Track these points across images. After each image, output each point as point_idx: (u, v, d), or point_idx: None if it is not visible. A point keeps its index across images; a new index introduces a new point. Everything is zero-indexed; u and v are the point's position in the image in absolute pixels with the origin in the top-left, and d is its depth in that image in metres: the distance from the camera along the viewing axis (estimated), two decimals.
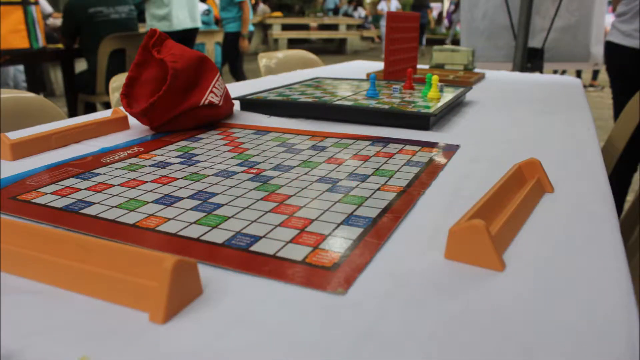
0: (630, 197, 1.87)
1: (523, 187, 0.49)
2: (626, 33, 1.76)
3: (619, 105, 1.83)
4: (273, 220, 0.44)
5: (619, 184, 1.74)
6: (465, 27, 2.72)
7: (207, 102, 0.76)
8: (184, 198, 0.49)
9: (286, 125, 0.82)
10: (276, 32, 10.00)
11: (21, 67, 4.17)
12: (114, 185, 0.53)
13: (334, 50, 10.89)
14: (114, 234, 0.41)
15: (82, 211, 0.46)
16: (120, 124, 0.78)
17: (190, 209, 0.46)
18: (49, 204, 0.47)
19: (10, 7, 2.31)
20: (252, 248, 0.39)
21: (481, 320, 0.30)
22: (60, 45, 2.82)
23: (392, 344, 0.28)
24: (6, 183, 0.53)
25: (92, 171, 0.57)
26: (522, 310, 0.31)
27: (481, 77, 1.42)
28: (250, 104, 0.92)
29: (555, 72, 4.38)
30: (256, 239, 0.40)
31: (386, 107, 0.84)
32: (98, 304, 0.32)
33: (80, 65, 2.91)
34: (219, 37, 4.12)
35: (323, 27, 10.83)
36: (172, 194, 0.50)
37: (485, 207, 0.41)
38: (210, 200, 0.48)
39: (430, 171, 0.58)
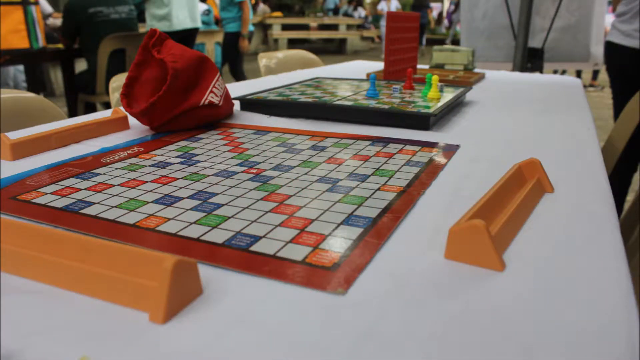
0: (630, 197, 1.87)
1: (523, 187, 0.49)
2: (626, 33, 1.76)
3: (619, 105, 1.83)
4: (273, 220, 0.44)
5: (619, 184, 1.74)
6: (465, 27, 2.72)
7: (207, 102, 0.76)
8: (184, 198, 0.49)
9: (286, 125, 0.82)
10: (276, 32, 10.00)
11: (21, 67, 4.16)
12: (114, 185, 0.53)
13: (334, 50, 10.89)
14: (114, 234, 0.41)
15: (82, 211, 0.46)
16: (120, 124, 0.78)
17: (190, 209, 0.46)
18: (49, 204, 0.47)
19: (10, 7, 2.31)
20: (252, 248, 0.39)
21: (481, 320, 0.30)
22: (60, 45, 2.82)
23: (392, 344, 0.28)
24: (6, 183, 0.53)
25: (92, 171, 0.57)
26: (522, 310, 0.31)
27: (481, 77, 1.42)
28: (250, 104, 0.92)
29: (555, 72, 4.38)
30: (256, 239, 0.40)
31: (386, 107, 0.84)
32: (98, 304, 0.32)
33: (80, 65, 2.91)
34: (219, 37, 4.12)
35: (323, 27, 10.83)
36: (172, 194, 0.50)
37: (485, 207, 0.41)
38: (210, 200, 0.48)
39: (430, 171, 0.58)
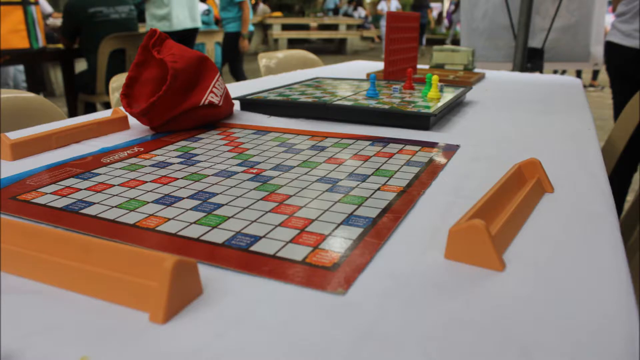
0: (630, 197, 1.87)
1: (523, 187, 0.49)
2: (626, 33, 1.76)
3: (619, 105, 1.83)
4: (273, 220, 0.44)
5: (619, 184, 1.74)
6: (465, 27, 2.72)
7: (207, 102, 0.76)
8: (184, 198, 0.49)
9: (286, 125, 0.82)
10: (276, 32, 10.00)
11: (21, 67, 4.16)
12: (114, 185, 0.53)
13: (334, 50, 10.89)
14: (114, 234, 0.41)
15: (82, 211, 0.46)
16: (120, 124, 0.78)
17: (190, 209, 0.46)
18: (49, 204, 0.47)
19: (10, 7, 2.31)
20: (252, 248, 0.39)
21: (481, 320, 0.30)
22: (60, 45, 2.82)
23: (392, 344, 0.28)
24: (6, 183, 0.53)
25: (92, 171, 0.57)
26: (522, 310, 0.31)
27: (481, 77, 1.42)
28: (250, 104, 0.92)
29: (555, 72, 4.38)
30: (256, 239, 0.40)
31: (386, 107, 0.84)
32: (98, 304, 0.32)
33: (80, 65, 2.91)
34: (219, 37, 4.12)
35: (323, 27, 10.83)
36: (172, 194, 0.50)
37: (485, 207, 0.41)
38: (210, 200, 0.48)
39: (430, 171, 0.58)
